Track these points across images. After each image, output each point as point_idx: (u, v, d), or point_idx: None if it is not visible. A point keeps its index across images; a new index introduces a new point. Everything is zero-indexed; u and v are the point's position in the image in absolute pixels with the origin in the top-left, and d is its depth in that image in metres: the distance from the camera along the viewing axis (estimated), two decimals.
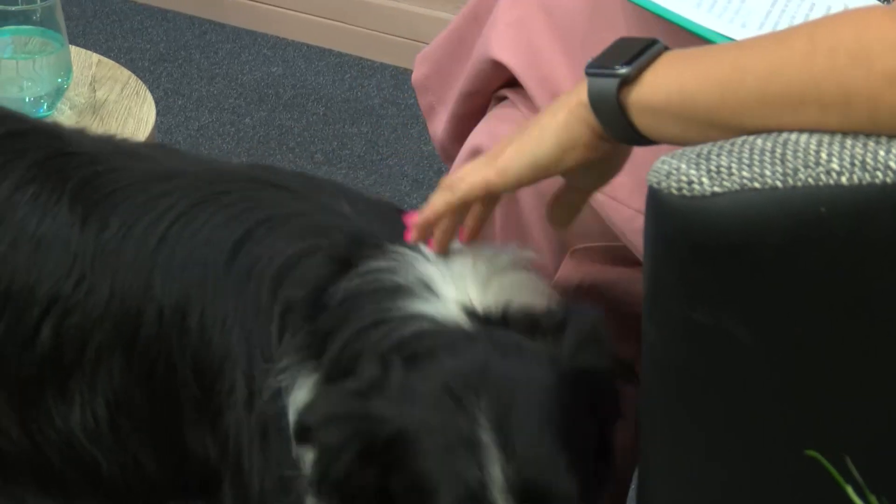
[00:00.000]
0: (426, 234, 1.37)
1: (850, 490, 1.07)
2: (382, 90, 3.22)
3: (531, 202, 1.68)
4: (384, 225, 1.40)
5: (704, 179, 1.22)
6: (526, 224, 1.72)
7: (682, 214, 1.23)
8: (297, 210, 1.42)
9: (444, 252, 1.38)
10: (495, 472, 1.16)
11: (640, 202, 1.36)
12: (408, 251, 1.34)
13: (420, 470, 1.20)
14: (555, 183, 1.54)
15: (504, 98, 1.76)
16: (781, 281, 1.23)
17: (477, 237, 1.42)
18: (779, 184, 1.20)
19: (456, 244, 1.41)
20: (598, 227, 1.65)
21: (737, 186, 1.21)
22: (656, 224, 1.27)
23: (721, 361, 1.28)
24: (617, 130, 1.31)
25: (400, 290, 1.30)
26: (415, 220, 1.38)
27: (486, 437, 1.17)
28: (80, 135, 1.55)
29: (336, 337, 1.31)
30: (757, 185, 1.21)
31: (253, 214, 1.42)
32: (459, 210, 1.39)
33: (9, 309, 1.43)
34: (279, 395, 1.31)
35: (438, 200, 1.37)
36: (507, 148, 1.38)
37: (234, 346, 1.38)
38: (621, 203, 1.60)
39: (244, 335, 1.38)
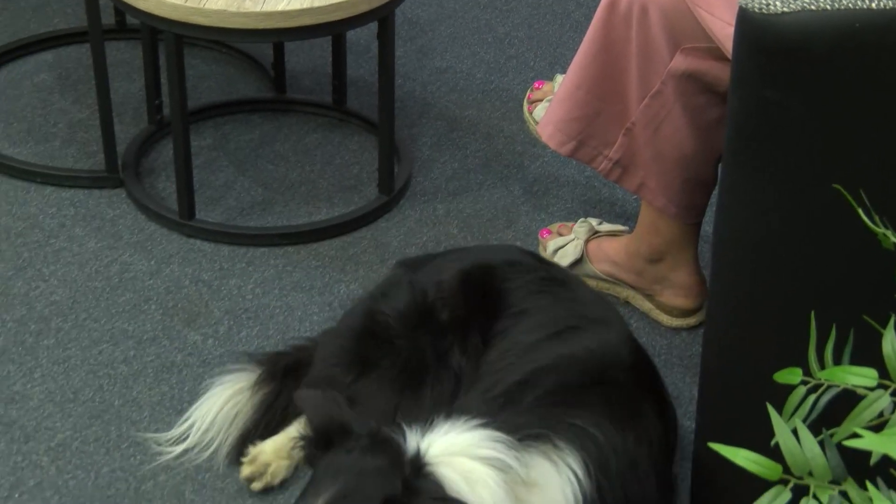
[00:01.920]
0: None
1: (860, 212, 1.18)
2: None
3: (657, 16, 1.97)
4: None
5: (778, 2, 1.40)
6: (653, 33, 2.00)
7: (761, 26, 1.42)
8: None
9: None
10: None
11: (730, 17, 1.57)
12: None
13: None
14: (678, 2, 1.81)
15: None
16: (826, 72, 1.41)
17: None
18: (828, 7, 1.39)
19: None
20: (701, 33, 1.95)
21: (799, 7, 1.40)
22: (743, 32, 1.45)
23: (781, 124, 1.47)
24: None
25: None
26: None
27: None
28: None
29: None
30: (813, 7, 1.40)
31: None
32: None
33: None
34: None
35: None
36: None
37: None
38: (717, 17, 1.89)
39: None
